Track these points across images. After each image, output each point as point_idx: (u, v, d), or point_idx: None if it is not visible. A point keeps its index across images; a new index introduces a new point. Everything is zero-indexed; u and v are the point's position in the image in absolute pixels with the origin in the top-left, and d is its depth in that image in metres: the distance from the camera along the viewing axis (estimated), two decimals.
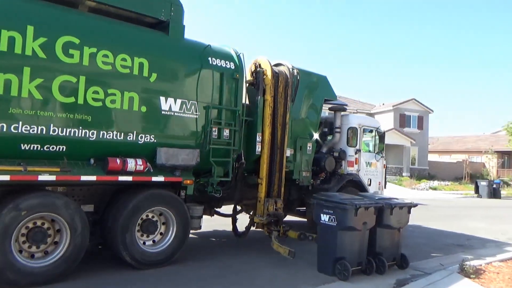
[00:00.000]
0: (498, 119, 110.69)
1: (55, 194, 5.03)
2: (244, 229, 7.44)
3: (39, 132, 4.80)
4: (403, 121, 34.32)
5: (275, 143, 7.15)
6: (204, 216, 6.73)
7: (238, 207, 8.22)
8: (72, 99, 5.03)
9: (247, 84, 7.22)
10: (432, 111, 36.08)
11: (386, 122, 31.27)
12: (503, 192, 25.27)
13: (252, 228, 7.57)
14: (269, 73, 7.19)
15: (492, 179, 27.75)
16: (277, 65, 7.83)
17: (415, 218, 10.17)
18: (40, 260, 4.87)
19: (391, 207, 6.00)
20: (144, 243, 5.73)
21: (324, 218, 5.85)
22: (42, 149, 4.88)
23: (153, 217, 5.87)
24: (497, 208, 17.59)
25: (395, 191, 21.04)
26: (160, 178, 5.73)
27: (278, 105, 7.21)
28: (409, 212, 6.34)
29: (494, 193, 23.00)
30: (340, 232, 5.65)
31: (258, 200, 7.13)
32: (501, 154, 38.54)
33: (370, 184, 9.22)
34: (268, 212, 6.97)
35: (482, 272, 6.06)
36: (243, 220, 9.82)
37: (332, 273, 5.67)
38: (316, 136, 8.24)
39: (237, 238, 7.46)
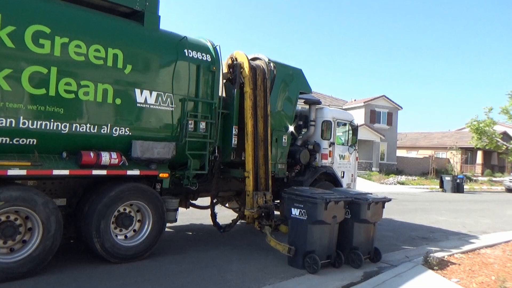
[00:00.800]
0: (462, 117, 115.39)
1: (35, 191, 4.89)
2: (229, 222, 7.44)
3: (8, 124, 4.64)
4: (373, 117, 35.14)
5: (257, 135, 7.16)
6: (179, 209, 6.71)
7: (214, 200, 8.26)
8: (43, 91, 4.88)
9: (224, 80, 7.20)
10: (401, 107, 37.12)
11: (357, 117, 31.53)
12: (466, 186, 26.46)
13: (229, 222, 7.60)
14: (246, 66, 7.19)
15: (456, 174, 28.95)
16: (253, 59, 7.85)
17: (383, 212, 10.51)
18: (4, 256, 4.71)
19: (369, 203, 6.12)
20: (116, 236, 5.65)
21: (295, 212, 5.94)
22: (11, 142, 4.73)
23: (130, 212, 5.81)
24: (460, 202, 18.41)
25: (365, 186, 21.60)
26: (136, 172, 5.68)
27: (258, 97, 7.22)
28: (383, 206, 6.51)
29: (458, 188, 24.03)
30: (310, 226, 5.76)
31: (246, 194, 7.09)
32: (465, 150, 40.24)
33: (343, 177, 9.43)
34: (258, 205, 6.92)
35: (444, 263, 6.35)
36: (225, 213, 9.86)
37: (301, 267, 5.78)
38: (291, 128, 8.34)
39: (221, 232, 7.36)
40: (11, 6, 4.70)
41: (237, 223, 7.62)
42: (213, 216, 7.40)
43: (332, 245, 6.01)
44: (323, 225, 5.81)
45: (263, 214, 6.93)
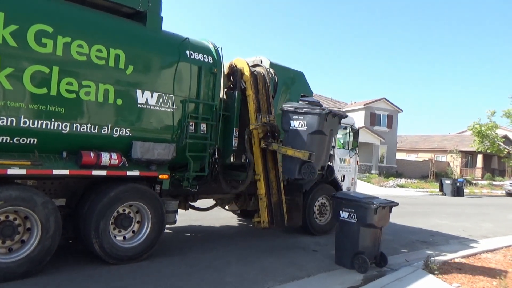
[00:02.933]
0: (462, 120, 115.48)
1: (35, 191, 4.86)
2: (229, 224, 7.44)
3: (9, 123, 4.61)
4: (373, 119, 35.14)
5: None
6: (178, 210, 6.67)
7: (213, 201, 8.25)
8: (44, 90, 4.85)
9: (225, 89, 7.18)
10: (401, 110, 37.11)
11: (357, 120, 31.56)
12: (466, 190, 26.42)
13: (228, 224, 7.58)
14: (247, 71, 7.19)
15: (456, 177, 28.91)
16: (254, 66, 7.83)
17: None
18: (2, 256, 4.67)
19: (376, 207, 6.05)
20: (115, 237, 5.62)
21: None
22: (12, 141, 4.70)
23: (129, 213, 5.78)
24: (460, 206, 18.37)
25: (364, 188, 21.53)
26: (136, 173, 5.65)
27: (261, 101, 7.21)
28: (390, 211, 6.45)
29: (458, 191, 23.97)
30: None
31: (259, 197, 7.05)
32: (465, 153, 40.21)
33: (343, 180, 9.41)
34: (262, 122, 6.98)
35: (445, 268, 6.31)
36: (224, 214, 9.83)
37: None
38: None
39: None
40: (14, 5, 4.68)
41: (236, 224, 7.55)
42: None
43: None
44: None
45: (268, 133, 7.01)
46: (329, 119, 6.36)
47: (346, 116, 7.00)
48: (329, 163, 7.01)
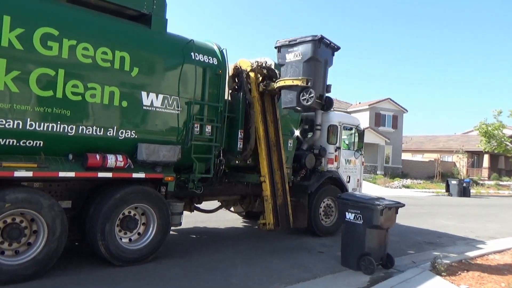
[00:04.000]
0: (468, 120, 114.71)
1: (41, 193, 4.88)
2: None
3: (15, 126, 4.64)
4: (378, 120, 34.95)
5: (269, 140, 7.16)
6: (184, 212, 6.67)
7: (219, 203, 8.25)
8: (50, 93, 4.88)
9: (230, 91, 7.19)
10: (407, 110, 36.88)
11: (362, 120, 31.26)
12: (472, 190, 26.14)
13: (233, 226, 7.57)
14: (251, 72, 7.19)
15: (462, 178, 28.63)
16: None
17: None
18: (9, 258, 4.69)
19: (382, 208, 6.01)
20: (121, 239, 5.63)
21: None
22: (18, 144, 4.73)
23: (134, 215, 5.78)
24: (466, 207, 18.22)
25: (370, 189, 21.44)
26: (141, 175, 5.66)
27: (266, 103, 7.23)
28: (396, 212, 6.40)
29: (464, 192, 23.74)
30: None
31: (264, 199, 7.08)
32: (471, 154, 39.91)
33: (349, 181, 9.36)
34: (258, 65, 7.21)
35: (452, 269, 6.25)
36: (229, 216, 9.82)
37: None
38: (297, 133, 8.31)
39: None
40: (20, 9, 4.71)
41: (242, 226, 7.54)
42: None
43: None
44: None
45: (266, 78, 7.21)
46: (322, 46, 6.58)
47: (339, 48, 7.10)
48: (326, 94, 7.17)
